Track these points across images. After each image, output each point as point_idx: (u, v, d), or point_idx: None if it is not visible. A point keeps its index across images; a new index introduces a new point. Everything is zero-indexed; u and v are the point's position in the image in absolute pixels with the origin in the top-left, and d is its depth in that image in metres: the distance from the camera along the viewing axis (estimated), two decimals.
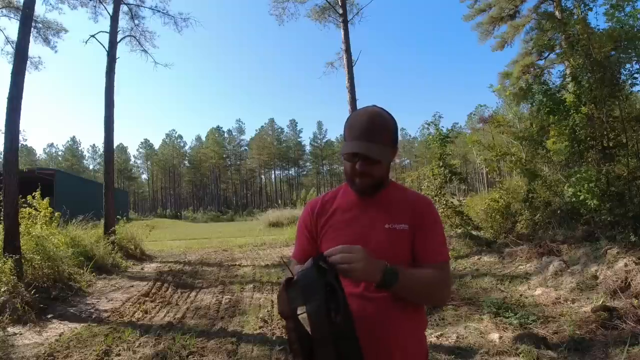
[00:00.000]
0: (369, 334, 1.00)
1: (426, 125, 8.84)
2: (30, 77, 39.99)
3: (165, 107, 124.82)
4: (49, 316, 4.68)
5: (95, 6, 12.06)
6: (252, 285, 6.16)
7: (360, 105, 12.72)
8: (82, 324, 4.42)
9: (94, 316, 4.81)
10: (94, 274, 6.82)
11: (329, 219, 1.18)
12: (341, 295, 0.88)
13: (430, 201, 1.20)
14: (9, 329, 4.13)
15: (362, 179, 1.10)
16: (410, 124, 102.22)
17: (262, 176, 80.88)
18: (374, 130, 1.07)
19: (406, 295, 1.04)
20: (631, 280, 3.93)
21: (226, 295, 5.58)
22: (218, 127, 75.40)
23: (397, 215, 1.12)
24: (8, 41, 12.02)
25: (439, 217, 1.19)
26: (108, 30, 10.61)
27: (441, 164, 8.47)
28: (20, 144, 6.42)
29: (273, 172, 79.53)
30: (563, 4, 7.63)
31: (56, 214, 7.30)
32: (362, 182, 1.11)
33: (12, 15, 11.54)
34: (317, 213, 1.20)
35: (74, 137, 78.84)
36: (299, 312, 0.87)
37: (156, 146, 75.11)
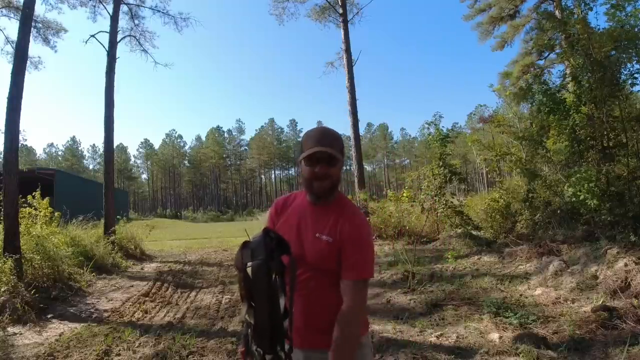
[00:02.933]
0: (308, 302, 1.25)
1: (426, 125, 8.86)
2: (30, 77, 40.04)
3: (165, 107, 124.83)
4: (49, 316, 4.67)
5: (95, 6, 12.05)
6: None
7: (360, 105, 12.74)
8: (82, 324, 4.42)
9: (94, 316, 4.81)
10: (94, 273, 6.82)
11: (285, 216, 1.38)
12: (279, 261, 1.09)
13: (363, 221, 1.31)
14: (9, 329, 4.13)
15: (321, 182, 1.25)
16: (410, 124, 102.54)
17: (262, 176, 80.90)
18: (329, 138, 1.26)
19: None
20: (631, 280, 3.93)
21: (226, 295, 5.58)
22: (218, 127, 75.44)
23: (326, 227, 1.28)
24: (8, 41, 12.04)
25: (368, 236, 1.31)
26: (108, 30, 10.60)
27: (441, 163, 8.47)
28: (20, 144, 6.42)
29: (273, 172, 79.53)
30: (563, 4, 7.62)
31: (56, 213, 7.30)
32: (320, 185, 1.26)
33: (12, 15, 11.55)
34: (279, 210, 1.42)
35: (74, 137, 78.87)
36: (248, 266, 1.09)
37: (156, 146, 75.12)
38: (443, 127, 8.71)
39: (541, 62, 16.29)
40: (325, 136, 1.27)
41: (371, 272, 1.28)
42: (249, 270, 1.09)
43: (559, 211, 6.58)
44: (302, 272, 1.25)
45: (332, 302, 1.23)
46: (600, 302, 3.80)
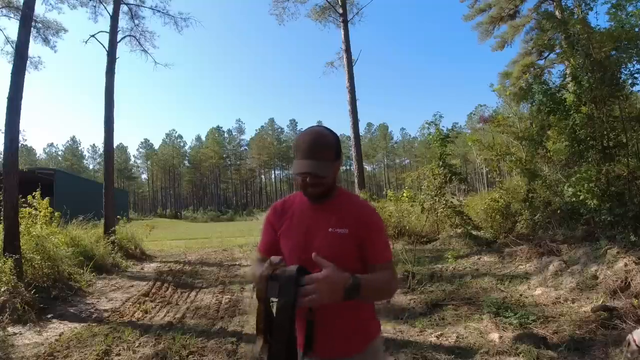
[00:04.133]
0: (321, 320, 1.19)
1: (426, 125, 8.84)
2: (30, 77, 40.02)
3: (165, 107, 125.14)
4: (49, 316, 4.68)
5: (95, 6, 12.07)
6: (252, 285, 6.15)
7: (360, 105, 12.74)
8: (82, 324, 4.42)
9: (94, 316, 4.81)
10: (94, 273, 6.82)
11: (286, 219, 1.35)
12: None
13: (373, 209, 1.35)
14: (9, 328, 4.13)
15: (313, 189, 1.25)
16: (410, 124, 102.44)
17: (262, 176, 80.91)
18: (317, 150, 1.21)
19: (365, 299, 1.21)
20: (631, 280, 3.93)
21: (226, 295, 5.58)
22: (218, 127, 75.48)
23: (339, 221, 1.26)
24: (8, 41, 12.02)
25: (382, 222, 1.34)
26: (108, 30, 10.61)
27: (441, 163, 8.46)
28: (20, 144, 6.41)
29: (273, 172, 79.57)
30: (563, 4, 7.63)
31: (56, 213, 7.30)
32: (312, 192, 1.26)
33: (12, 15, 11.54)
34: (279, 213, 1.38)
35: (73, 137, 78.90)
36: (272, 301, 1.06)
37: (156, 146, 75.15)
38: (443, 127, 8.70)
39: (541, 62, 16.30)
40: (313, 148, 1.21)
41: (392, 255, 1.32)
42: (272, 305, 1.07)
43: (559, 211, 6.57)
44: None
45: (352, 303, 1.17)
46: (600, 302, 3.80)
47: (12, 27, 16.33)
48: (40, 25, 12.68)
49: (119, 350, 3.56)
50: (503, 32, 17.37)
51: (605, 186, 5.30)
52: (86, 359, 3.40)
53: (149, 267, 8.49)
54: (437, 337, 3.49)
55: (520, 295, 4.55)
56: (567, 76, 6.40)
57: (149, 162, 74.95)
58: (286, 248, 1.32)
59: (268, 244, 1.38)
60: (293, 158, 1.27)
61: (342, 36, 12.41)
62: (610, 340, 3.05)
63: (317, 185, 1.24)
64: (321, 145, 1.23)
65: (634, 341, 2.52)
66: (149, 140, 75.25)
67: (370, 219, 1.28)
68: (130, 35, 12.34)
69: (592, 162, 5.69)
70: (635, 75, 5.42)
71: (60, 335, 4.03)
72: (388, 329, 3.76)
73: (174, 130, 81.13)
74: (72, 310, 5.03)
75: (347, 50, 12.26)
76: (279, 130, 75.99)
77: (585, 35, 5.61)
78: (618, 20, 5.36)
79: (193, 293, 5.88)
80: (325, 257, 1.17)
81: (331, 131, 1.29)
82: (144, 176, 78.62)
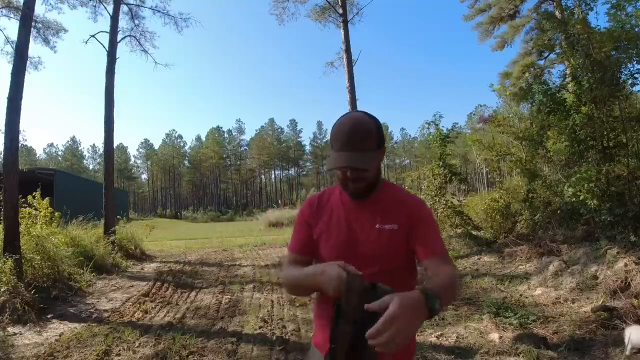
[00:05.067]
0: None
1: (426, 125, 8.82)
2: (30, 77, 40.01)
3: (165, 107, 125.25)
4: (49, 316, 4.67)
5: (95, 6, 12.06)
6: (252, 285, 6.16)
7: (360, 105, 12.73)
8: (82, 324, 4.42)
9: (94, 316, 4.81)
10: (93, 273, 6.82)
11: (324, 216, 1.22)
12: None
13: (421, 201, 1.24)
14: (9, 329, 4.13)
15: (355, 184, 1.14)
16: (410, 124, 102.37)
17: (262, 176, 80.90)
18: (357, 140, 1.08)
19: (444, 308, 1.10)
20: (631, 280, 3.93)
21: (226, 295, 5.58)
22: (218, 127, 75.50)
23: (387, 216, 1.15)
24: (8, 41, 12.01)
25: (432, 213, 1.23)
26: (108, 30, 10.60)
27: (441, 164, 8.46)
28: (20, 144, 6.41)
29: (273, 172, 79.55)
30: (563, 4, 7.63)
31: (56, 213, 7.29)
32: (355, 187, 1.15)
33: (12, 15, 11.53)
34: (316, 209, 1.24)
35: (74, 137, 78.95)
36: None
37: (156, 146, 75.16)
38: (443, 127, 8.69)
39: (541, 62, 16.29)
40: (352, 138, 1.08)
41: (446, 248, 1.18)
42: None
43: (559, 211, 6.57)
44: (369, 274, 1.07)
45: None
46: (600, 302, 3.80)
47: (12, 27, 16.31)
48: (40, 25, 12.68)
49: (119, 351, 3.56)
50: (503, 32, 17.39)
51: (605, 186, 5.30)
52: (86, 359, 3.40)
53: (149, 267, 8.49)
54: (437, 337, 3.49)
55: (520, 295, 4.55)
56: (567, 76, 6.40)
57: (149, 162, 74.95)
58: (326, 248, 1.18)
59: (302, 243, 1.23)
60: (331, 150, 1.15)
61: (342, 36, 12.40)
62: (610, 340, 3.05)
63: (359, 180, 1.12)
64: (361, 133, 1.09)
65: (630, 341, 2.55)
66: (149, 140, 75.35)
67: (420, 212, 1.17)
68: (130, 36, 12.35)
69: (592, 162, 5.69)
70: (635, 75, 5.42)
71: (60, 336, 4.03)
72: None
73: (174, 130, 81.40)
74: (72, 311, 5.03)
75: (347, 50, 12.25)
76: (279, 130, 75.99)
77: (585, 36, 5.61)
78: (618, 21, 5.36)
79: (193, 293, 5.88)
80: (373, 255, 1.10)
81: (371, 116, 1.14)
82: (144, 176, 78.69)
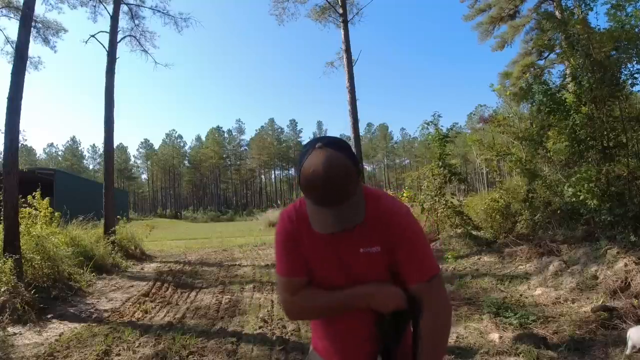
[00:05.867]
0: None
1: (425, 125, 8.82)
2: (30, 77, 40.03)
3: (165, 107, 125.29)
4: (49, 316, 4.67)
5: (95, 6, 12.05)
6: (252, 285, 6.16)
7: (360, 105, 12.71)
8: (82, 324, 4.42)
9: (94, 316, 4.81)
10: (93, 273, 6.82)
11: (306, 232, 1.05)
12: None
13: (406, 211, 1.07)
14: (9, 329, 4.13)
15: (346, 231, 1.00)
16: (410, 124, 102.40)
17: (262, 176, 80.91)
18: (334, 191, 0.93)
19: None
20: (631, 280, 3.93)
21: (226, 295, 5.58)
22: (218, 127, 75.52)
23: (369, 237, 1.04)
24: (8, 41, 12.02)
25: (419, 226, 1.09)
26: (108, 30, 10.61)
27: (441, 164, 8.46)
28: (20, 144, 6.41)
29: (273, 172, 79.56)
30: (563, 4, 7.62)
31: (56, 213, 7.30)
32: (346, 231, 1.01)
33: (12, 15, 11.54)
34: (296, 223, 1.09)
35: (74, 137, 78.94)
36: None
37: (156, 146, 75.17)
38: (442, 126, 8.69)
39: (541, 62, 16.31)
40: (328, 193, 0.93)
41: (438, 266, 1.06)
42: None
43: (559, 211, 6.57)
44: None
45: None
46: (600, 302, 3.80)
47: (12, 27, 16.33)
48: (40, 25, 12.68)
49: (119, 350, 3.56)
50: (503, 32, 17.40)
51: (605, 186, 5.30)
52: (86, 359, 3.40)
53: (149, 267, 8.49)
54: None
55: (520, 295, 4.55)
56: (567, 76, 6.39)
57: (149, 162, 74.95)
58: (318, 269, 1.09)
59: (297, 263, 1.09)
60: (301, 190, 0.99)
61: (342, 36, 12.40)
62: (610, 340, 3.05)
63: (350, 228, 0.98)
64: (340, 183, 0.93)
65: (631, 338, 2.55)
66: (149, 140, 75.36)
67: (402, 230, 1.03)
68: (130, 35, 12.35)
69: (592, 162, 5.69)
70: (635, 75, 5.42)
71: (60, 336, 4.03)
72: None
73: (174, 130, 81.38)
74: (72, 311, 5.03)
75: (347, 50, 12.25)
76: (279, 130, 76.01)
77: (585, 36, 5.61)
78: (618, 21, 5.36)
79: (193, 293, 5.88)
80: (365, 278, 1.06)
81: (341, 147, 0.97)
82: (144, 176, 78.70)
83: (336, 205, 0.94)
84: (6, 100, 5.87)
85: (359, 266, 1.06)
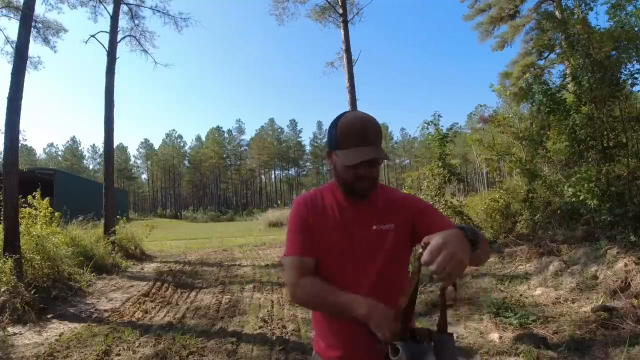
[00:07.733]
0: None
1: (425, 125, 8.82)
2: (30, 77, 40.05)
3: (165, 107, 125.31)
4: (49, 316, 4.68)
5: (95, 6, 12.05)
6: (252, 285, 6.16)
7: (360, 105, 12.72)
8: (82, 324, 4.42)
9: (94, 316, 4.81)
10: (93, 273, 6.82)
11: (320, 216, 1.17)
12: None
13: (414, 196, 1.29)
14: (9, 329, 4.13)
15: (364, 184, 1.11)
16: (410, 124, 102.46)
17: (262, 176, 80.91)
18: (374, 133, 1.09)
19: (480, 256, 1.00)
20: (631, 280, 3.93)
21: (226, 295, 5.58)
22: (218, 127, 75.49)
23: (384, 216, 1.15)
24: (8, 41, 12.00)
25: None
26: (108, 30, 10.61)
27: (440, 164, 8.46)
28: (20, 144, 6.41)
29: (273, 172, 79.55)
30: (563, 4, 7.62)
31: (56, 213, 7.30)
32: (363, 187, 1.12)
33: (12, 15, 11.51)
34: (311, 208, 1.18)
35: (74, 137, 78.93)
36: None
37: (156, 146, 75.15)
38: (442, 126, 8.68)
39: (541, 62, 16.31)
40: (369, 132, 1.08)
41: None
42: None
43: (559, 211, 6.56)
44: (368, 275, 1.12)
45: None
46: (600, 302, 3.80)
47: (12, 27, 16.32)
48: (40, 25, 12.66)
49: (119, 350, 3.56)
50: (503, 32, 17.39)
51: (605, 186, 5.30)
52: (86, 359, 3.40)
53: (149, 267, 8.49)
54: None
55: (520, 295, 4.55)
56: (567, 76, 6.39)
57: (149, 162, 74.94)
58: (323, 249, 1.15)
59: (306, 244, 1.15)
60: (334, 149, 1.13)
61: (342, 36, 12.40)
62: (610, 340, 3.05)
63: (369, 179, 1.11)
64: (376, 128, 1.10)
65: None
66: (149, 140, 75.33)
67: (420, 204, 1.19)
68: (130, 35, 12.36)
69: (592, 162, 5.69)
70: (635, 75, 5.42)
71: (60, 336, 4.03)
72: None
73: (174, 130, 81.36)
74: (72, 310, 5.03)
75: (347, 50, 12.25)
76: (279, 130, 75.98)
77: (585, 35, 5.61)
78: (618, 20, 5.36)
79: (193, 293, 5.88)
80: (371, 256, 1.11)
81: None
82: (144, 176, 78.67)
83: (371, 144, 1.08)
84: (6, 100, 5.87)
85: (368, 244, 1.13)
